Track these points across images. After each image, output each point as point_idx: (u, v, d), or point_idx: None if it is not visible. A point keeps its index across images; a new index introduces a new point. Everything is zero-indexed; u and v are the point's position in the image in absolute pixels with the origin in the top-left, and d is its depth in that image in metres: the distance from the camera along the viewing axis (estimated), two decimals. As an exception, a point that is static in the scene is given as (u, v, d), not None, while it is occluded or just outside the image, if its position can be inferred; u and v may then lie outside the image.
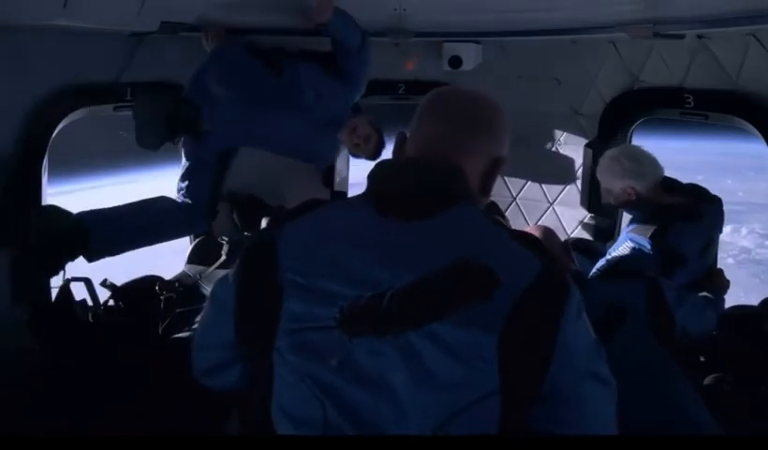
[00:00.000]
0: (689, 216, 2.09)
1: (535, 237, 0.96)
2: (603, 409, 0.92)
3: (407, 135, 1.03)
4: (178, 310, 2.42)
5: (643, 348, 1.70)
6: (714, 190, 2.23)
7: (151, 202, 2.61)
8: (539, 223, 2.65)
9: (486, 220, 0.93)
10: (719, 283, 2.11)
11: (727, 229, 2.37)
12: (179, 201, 2.64)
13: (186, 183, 2.63)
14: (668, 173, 2.19)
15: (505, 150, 1.02)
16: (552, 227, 2.28)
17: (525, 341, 0.83)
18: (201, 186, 2.63)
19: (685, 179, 2.29)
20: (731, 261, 10.84)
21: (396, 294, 0.82)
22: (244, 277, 0.95)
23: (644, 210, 2.17)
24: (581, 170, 2.98)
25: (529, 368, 0.85)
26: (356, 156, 2.78)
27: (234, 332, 0.96)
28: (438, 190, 0.92)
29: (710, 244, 2.17)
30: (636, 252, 2.06)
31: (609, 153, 2.24)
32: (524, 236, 0.93)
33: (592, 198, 2.88)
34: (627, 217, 3.00)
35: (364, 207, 0.93)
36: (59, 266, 2.14)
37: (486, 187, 1.00)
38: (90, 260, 2.24)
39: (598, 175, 2.28)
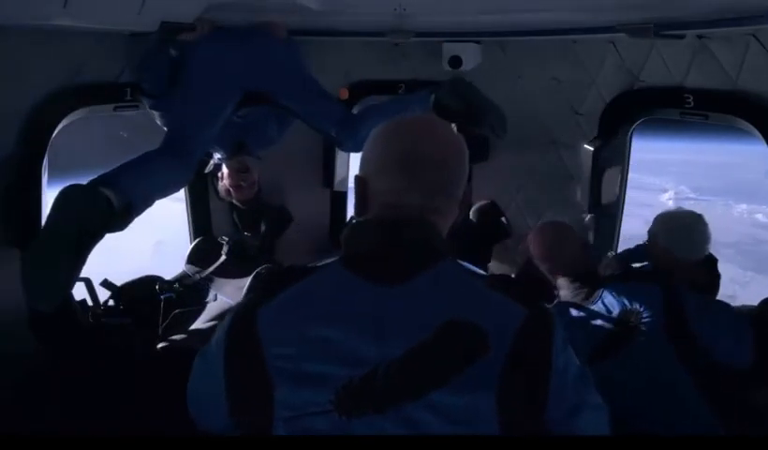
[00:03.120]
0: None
1: (510, 280, 1.01)
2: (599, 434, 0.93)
3: (366, 178, 0.98)
4: (178, 310, 2.42)
5: (656, 349, 1.66)
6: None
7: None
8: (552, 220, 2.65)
9: (465, 275, 0.92)
10: None
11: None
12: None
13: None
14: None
15: (465, 182, 1.02)
16: (552, 227, 2.29)
17: (522, 389, 0.84)
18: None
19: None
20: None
21: (389, 368, 0.82)
22: (230, 364, 0.92)
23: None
24: (580, 170, 2.98)
25: (529, 414, 0.86)
26: (225, 197, 2.78)
27: (229, 415, 0.93)
28: (416, 251, 0.91)
29: None
30: None
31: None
32: (501, 283, 0.93)
33: (592, 198, 2.88)
34: (626, 218, 3.02)
35: (343, 274, 0.91)
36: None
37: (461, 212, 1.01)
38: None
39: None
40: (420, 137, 0.96)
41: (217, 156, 2.67)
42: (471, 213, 3.18)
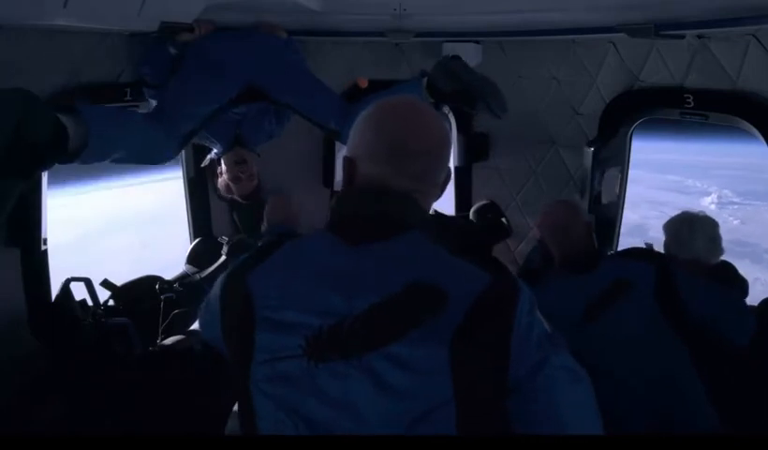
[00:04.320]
0: None
1: (482, 252, 1.06)
2: (571, 396, 0.96)
3: (354, 159, 1.04)
4: (178, 310, 2.42)
5: (645, 318, 1.78)
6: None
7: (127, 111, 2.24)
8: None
9: (435, 245, 0.99)
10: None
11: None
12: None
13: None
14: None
15: (448, 165, 1.10)
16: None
17: (478, 348, 0.91)
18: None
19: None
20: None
21: (356, 320, 0.90)
22: (224, 313, 1.03)
23: None
24: (580, 170, 2.98)
25: (484, 374, 0.92)
26: (224, 195, 2.76)
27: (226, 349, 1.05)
28: (392, 216, 0.99)
29: None
30: None
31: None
32: (473, 253, 1.00)
33: (591, 199, 2.88)
34: (626, 218, 3.02)
35: (326, 237, 1.01)
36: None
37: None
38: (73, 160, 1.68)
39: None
40: (408, 127, 1.02)
41: (215, 150, 2.65)
42: (471, 213, 3.18)
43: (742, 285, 2.18)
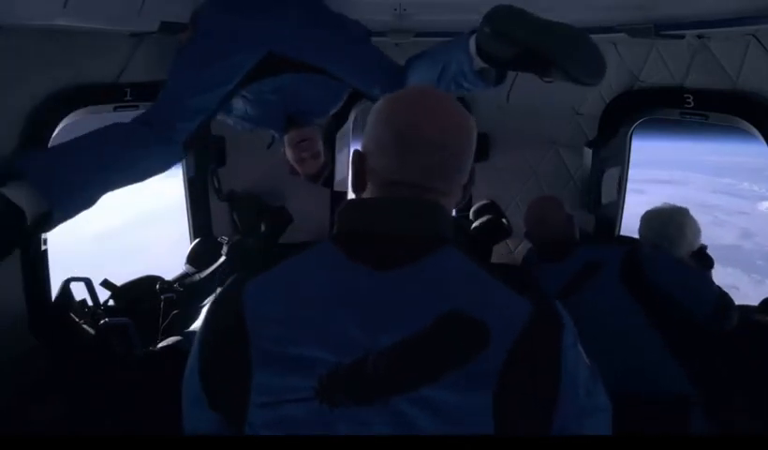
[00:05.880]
0: None
1: (520, 272, 0.95)
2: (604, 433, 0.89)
3: (365, 153, 0.93)
4: (178, 310, 2.42)
5: (611, 294, 1.94)
6: None
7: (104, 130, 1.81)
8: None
9: (471, 264, 0.85)
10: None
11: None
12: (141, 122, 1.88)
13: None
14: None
15: (472, 164, 0.98)
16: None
17: (523, 392, 0.78)
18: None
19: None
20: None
21: (381, 357, 0.76)
22: (209, 343, 0.85)
23: None
24: (580, 170, 2.98)
25: (529, 421, 0.79)
26: (293, 173, 2.43)
27: (208, 404, 0.86)
28: (415, 234, 0.84)
29: None
30: None
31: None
32: (509, 273, 0.86)
33: (591, 199, 2.88)
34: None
35: (335, 255, 0.84)
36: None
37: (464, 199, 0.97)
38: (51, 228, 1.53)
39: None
40: (419, 116, 0.89)
41: (274, 134, 2.43)
42: (471, 213, 3.18)
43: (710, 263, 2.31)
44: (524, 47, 1.55)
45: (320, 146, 2.41)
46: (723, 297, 1.95)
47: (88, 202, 1.58)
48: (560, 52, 1.53)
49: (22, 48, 1.87)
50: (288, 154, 2.40)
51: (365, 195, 0.93)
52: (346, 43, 2.01)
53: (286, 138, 2.37)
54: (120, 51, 2.31)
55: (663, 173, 11.99)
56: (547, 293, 0.87)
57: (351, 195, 0.99)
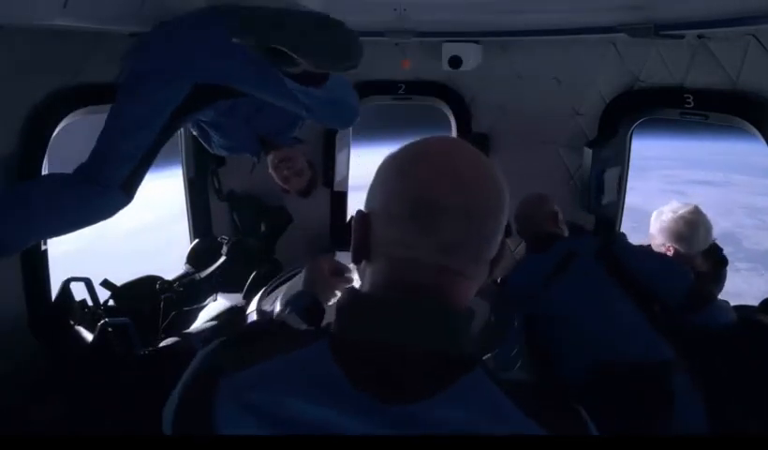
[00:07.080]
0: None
1: (554, 403, 0.72)
2: None
3: (370, 216, 0.75)
4: (178, 310, 2.42)
5: (590, 275, 2.11)
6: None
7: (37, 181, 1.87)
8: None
9: (498, 394, 0.69)
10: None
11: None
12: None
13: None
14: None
15: (499, 237, 0.77)
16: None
17: None
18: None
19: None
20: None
21: None
22: (181, 415, 0.73)
23: None
24: (580, 170, 2.98)
25: None
26: (284, 191, 2.57)
27: None
28: (438, 348, 0.69)
29: None
30: None
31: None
32: (539, 404, 0.70)
33: (591, 199, 2.88)
34: (626, 218, 3.02)
35: (331, 369, 0.68)
36: None
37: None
38: None
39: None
40: (440, 178, 0.71)
41: (254, 158, 2.52)
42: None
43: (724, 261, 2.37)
44: (264, 45, 1.58)
45: (303, 163, 2.49)
46: (697, 288, 2.04)
47: (22, 246, 1.71)
48: (291, 43, 1.56)
49: (22, 48, 1.87)
50: (273, 174, 2.50)
51: (370, 272, 0.76)
52: (262, 69, 1.82)
53: (268, 160, 2.48)
54: (120, 51, 2.31)
55: (702, 174, 11.28)
56: (587, 423, 0.71)
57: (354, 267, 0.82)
